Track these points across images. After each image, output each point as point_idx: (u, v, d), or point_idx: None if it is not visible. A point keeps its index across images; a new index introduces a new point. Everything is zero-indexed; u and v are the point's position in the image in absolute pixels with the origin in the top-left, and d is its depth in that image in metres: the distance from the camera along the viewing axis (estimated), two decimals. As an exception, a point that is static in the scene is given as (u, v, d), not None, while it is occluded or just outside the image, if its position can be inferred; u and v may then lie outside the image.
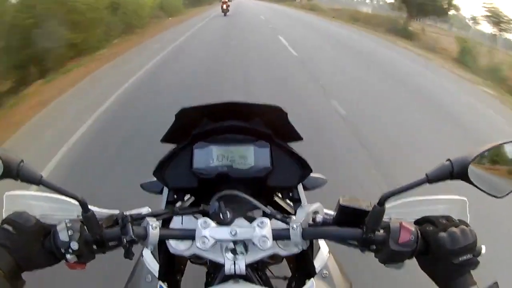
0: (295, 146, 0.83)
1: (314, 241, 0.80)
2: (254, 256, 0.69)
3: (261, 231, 0.63)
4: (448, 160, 0.60)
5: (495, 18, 16.44)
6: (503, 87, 9.66)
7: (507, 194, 0.61)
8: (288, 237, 0.63)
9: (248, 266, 0.71)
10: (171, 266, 0.87)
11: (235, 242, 0.65)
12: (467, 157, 0.59)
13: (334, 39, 13.38)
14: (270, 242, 0.63)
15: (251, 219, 0.66)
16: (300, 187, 0.85)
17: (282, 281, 0.98)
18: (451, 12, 20.92)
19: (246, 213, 0.72)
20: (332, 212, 0.67)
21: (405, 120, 5.01)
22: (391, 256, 0.59)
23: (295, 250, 0.70)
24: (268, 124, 0.79)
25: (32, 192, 0.73)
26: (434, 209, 0.71)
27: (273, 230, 0.64)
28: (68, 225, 0.58)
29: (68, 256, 0.58)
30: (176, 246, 0.71)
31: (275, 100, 0.74)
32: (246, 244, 0.66)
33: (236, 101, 0.75)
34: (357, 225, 0.62)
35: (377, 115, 5.05)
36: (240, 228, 0.64)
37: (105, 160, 3.41)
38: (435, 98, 6.54)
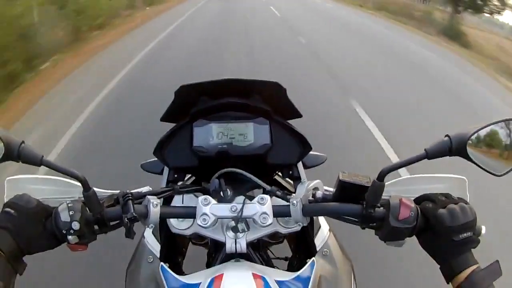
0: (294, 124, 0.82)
1: (315, 219, 0.81)
2: (255, 234, 0.69)
3: (261, 207, 0.63)
4: (447, 135, 0.59)
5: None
6: None
7: (507, 173, 0.61)
8: (288, 214, 0.64)
9: (249, 245, 0.71)
10: (173, 247, 0.87)
11: (236, 221, 0.66)
12: (466, 134, 0.59)
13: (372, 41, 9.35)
14: (270, 218, 0.63)
15: (251, 198, 0.67)
16: (300, 165, 0.85)
17: (283, 262, 0.99)
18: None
19: (246, 192, 0.72)
20: (332, 189, 0.68)
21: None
22: (391, 233, 0.60)
23: (296, 227, 0.71)
24: (267, 101, 0.79)
25: (33, 175, 0.73)
26: (434, 187, 0.71)
27: (273, 206, 0.64)
28: (69, 205, 0.58)
29: (69, 237, 0.58)
30: (177, 225, 0.72)
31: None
32: (247, 222, 0.67)
33: (235, 78, 0.75)
34: (357, 202, 0.63)
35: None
36: (241, 204, 0.64)
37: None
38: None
